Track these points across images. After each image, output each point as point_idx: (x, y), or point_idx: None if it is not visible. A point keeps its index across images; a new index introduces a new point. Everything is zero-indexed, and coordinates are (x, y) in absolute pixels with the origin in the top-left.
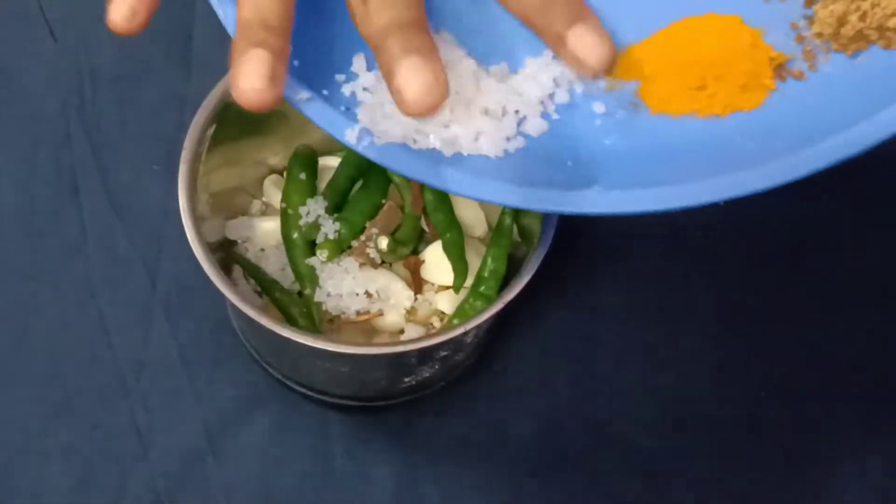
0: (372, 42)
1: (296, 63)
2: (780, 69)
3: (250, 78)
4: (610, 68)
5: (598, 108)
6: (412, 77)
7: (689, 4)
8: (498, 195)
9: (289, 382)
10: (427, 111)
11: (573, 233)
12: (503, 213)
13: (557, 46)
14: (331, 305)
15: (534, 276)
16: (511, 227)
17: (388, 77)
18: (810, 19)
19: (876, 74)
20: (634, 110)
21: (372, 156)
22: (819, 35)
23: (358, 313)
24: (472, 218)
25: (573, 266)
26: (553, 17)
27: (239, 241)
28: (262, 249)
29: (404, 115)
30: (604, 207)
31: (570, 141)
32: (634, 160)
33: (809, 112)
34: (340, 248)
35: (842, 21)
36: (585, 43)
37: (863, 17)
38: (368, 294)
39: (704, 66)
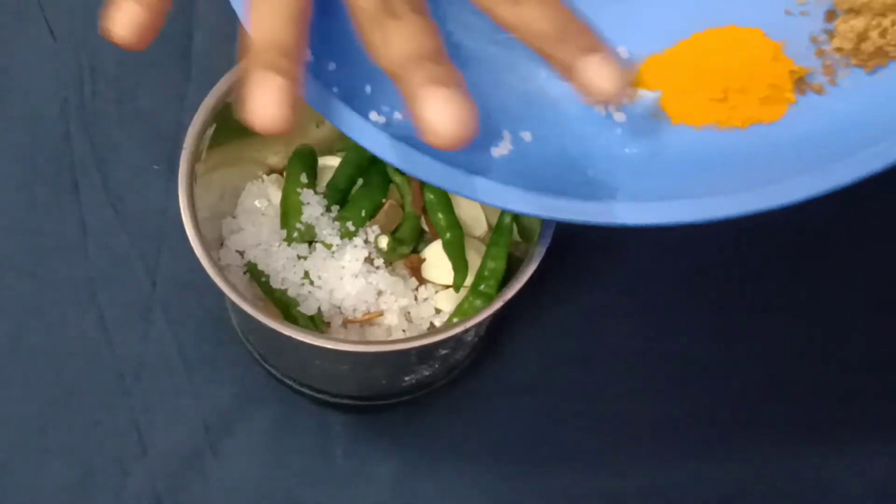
0: (394, 73)
1: (332, 67)
2: (801, 82)
3: (269, 106)
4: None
5: (619, 117)
6: (443, 110)
7: (710, 16)
8: (519, 204)
9: (289, 381)
10: (461, 144)
11: (573, 232)
12: (503, 212)
13: (571, 75)
14: (331, 304)
15: (533, 276)
16: (511, 227)
17: (417, 110)
18: (830, 34)
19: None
20: (655, 121)
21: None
22: (839, 50)
23: (357, 311)
24: (472, 217)
25: (573, 265)
26: (567, 49)
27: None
28: (263, 249)
29: (434, 147)
30: (623, 218)
31: (591, 150)
32: (655, 171)
33: (829, 126)
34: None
35: (862, 37)
36: (602, 74)
37: (883, 34)
38: (368, 293)
39: (726, 77)
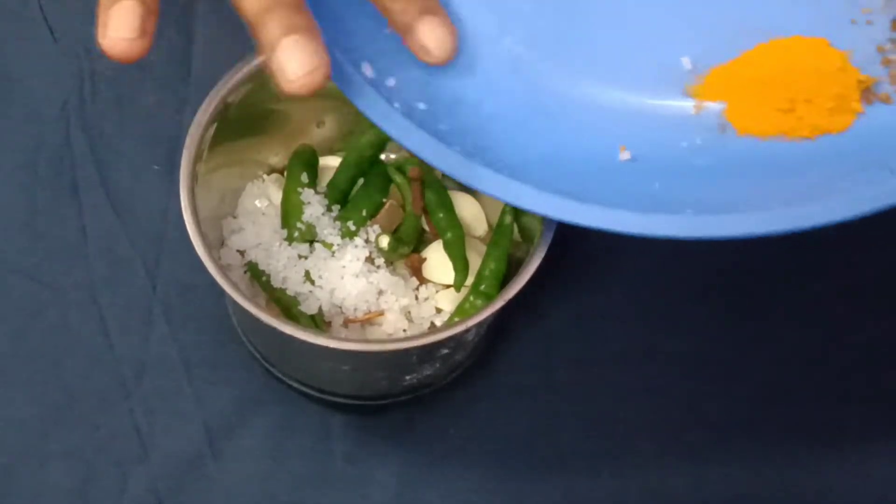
0: (250, 21)
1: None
2: (867, 92)
3: (121, 29)
4: (449, 60)
5: (693, 133)
6: (293, 56)
7: (775, 27)
8: (586, 218)
9: (290, 382)
10: (308, 91)
11: (573, 232)
12: (503, 212)
13: (404, 34)
14: (332, 304)
15: (534, 276)
16: (511, 227)
17: (269, 55)
18: (893, 43)
19: None
20: (721, 132)
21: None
22: None
23: (357, 311)
24: (473, 217)
25: (573, 266)
26: (407, 7)
27: (239, 240)
28: (263, 249)
29: (286, 93)
30: (693, 231)
31: (658, 163)
32: (723, 183)
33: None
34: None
35: None
36: (436, 35)
37: None
38: (369, 293)
39: (792, 88)
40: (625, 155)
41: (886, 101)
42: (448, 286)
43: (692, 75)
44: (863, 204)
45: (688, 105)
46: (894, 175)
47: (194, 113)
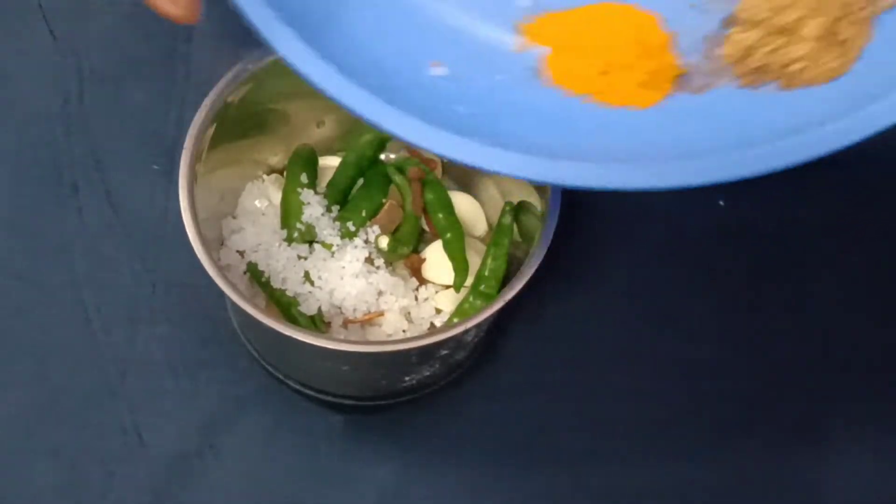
0: None
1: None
2: (681, 78)
3: None
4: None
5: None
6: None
7: None
8: (375, 114)
9: (288, 381)
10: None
11: (573, 233)
12: (503, 212)
13: None
14: (331, 304)
15: (534, 276)
16: (511, 227)
17: None
18: (724, 38)
19: (765, 108)
20: (536, 76)
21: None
22: (726, 56)
23: (357, 311)
24: (472, 217)
25: (573, 267)
26: None
27: (238, 240)
28: (263, 249)
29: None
30: (469, 158)
31: (470, 88)
32: (522, 123)
33: (693, 126)
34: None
35: (750, 51)
36: None
37: (772, 53)
38: (369, 293)
39: (613, 53)
40: (438, 70)
41: (695, 91)
42: (448, 286)
43: (528, 14)
44: (630, 179)
45: (512, 40)
46: (668, 159)
47: (194, 113)
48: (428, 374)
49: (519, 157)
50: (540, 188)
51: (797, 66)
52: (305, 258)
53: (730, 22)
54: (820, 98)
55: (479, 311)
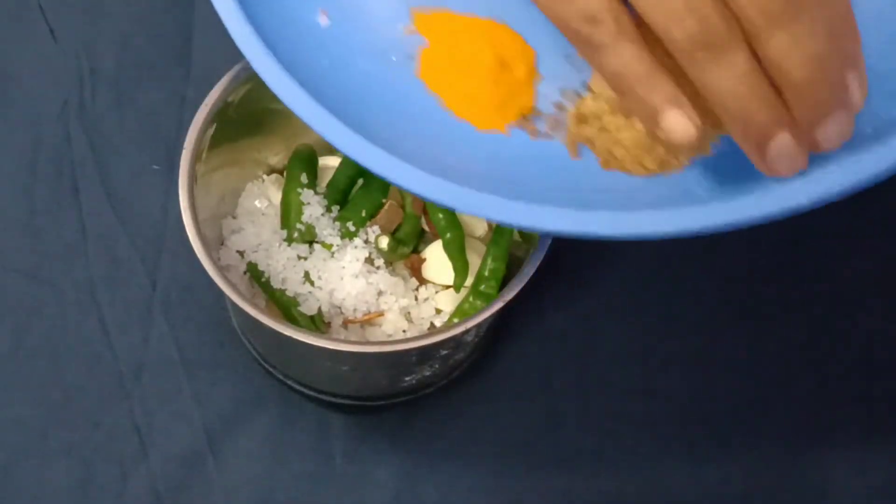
0: (623, 83)
1: None
2: (526, 118)
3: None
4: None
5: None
6: (678, 122)
7: (508, 14)
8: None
9: (289, 382)
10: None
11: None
12: None
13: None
14: (331, 304)
15: (534, 276)
16: (511, 227)
17: (650, 118)
18: (577, 98)
19: (575, 179)
20: (409, 62)
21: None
22: (569, 115)
23: (357, 311)
24: (473, 217)
25: (573, 266)
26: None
27: (238, 240)
28: (263, 249)
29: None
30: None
31: (341, 45)
32: (385, 104)
33: (511, 165)
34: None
35: (587, 119)
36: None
37: (602, 130)
38: (369, 293)
39: (481, 67)
40: (323, 19)
41: (532, 135)
42: (448, 287)
43: (426, 5)
44: (431, 190)
45: (403, 23)
46: (485, 185)
47: (194, 111)
48: (428, 374)
49: (340, 128)
50: None
51: (619, 151)
52: (305, 258)
53: (589, 87)
54: (634, 186)
55: (479, 311)
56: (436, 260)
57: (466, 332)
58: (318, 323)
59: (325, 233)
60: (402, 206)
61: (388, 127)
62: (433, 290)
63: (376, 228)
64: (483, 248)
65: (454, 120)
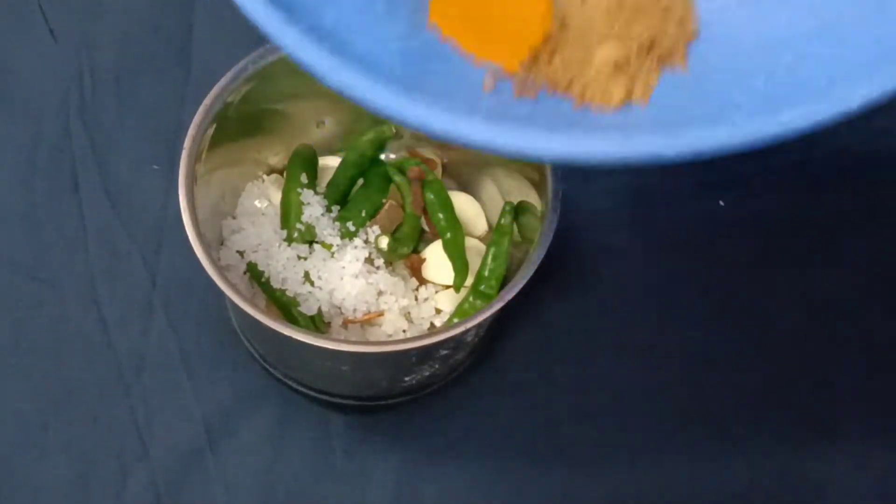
0: None
1: None
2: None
3: None
4: None
5: None
6: None
7: None
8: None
9: (289, 382)
10: None
11: (573, 232)
12: (503, 212)
13: None
14: (331, 304)
15: (534, 276)
16: (511, 227)
17: None
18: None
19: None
20: (421, 8)
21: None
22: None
23: (357, 311)
24: (472, 217)
25: (573, 266)
26: None
27: (238, 240)
28: (263, 249)
29: None
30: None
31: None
32: (391, 49)
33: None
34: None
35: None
36: None
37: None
38: (368, 293)
39: (494, 11)
40: None
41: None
42: (448, 287)
43: None
44: (421, 117)
45: None
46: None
47: (194, 110)
48: (428, 374)
49: (335, 62)
50: (540, 188)
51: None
52: (305, 258)
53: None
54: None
55: (479, 311)
56: (436, 260)
57: (466, 332)
58: (318, 323)
59: (325, 233)
60: (402, 206)
61: (401, 73)
62: (433, 290)
63: (376, 228)
64: (483, 248)
65: (471, 65)
